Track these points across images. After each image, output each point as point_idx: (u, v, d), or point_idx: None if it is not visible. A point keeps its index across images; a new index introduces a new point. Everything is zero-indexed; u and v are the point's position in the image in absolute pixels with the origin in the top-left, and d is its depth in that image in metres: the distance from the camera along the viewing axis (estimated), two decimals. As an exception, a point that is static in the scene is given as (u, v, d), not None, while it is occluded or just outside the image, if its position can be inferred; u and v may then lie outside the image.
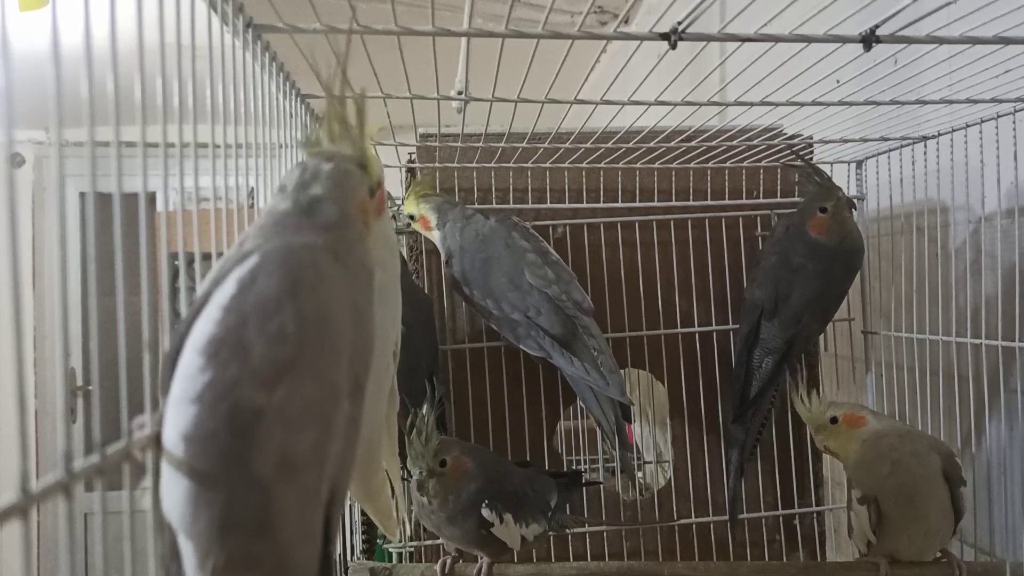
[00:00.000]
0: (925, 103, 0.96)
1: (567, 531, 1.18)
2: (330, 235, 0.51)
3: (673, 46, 0.72)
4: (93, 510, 0.41)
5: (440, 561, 1.04)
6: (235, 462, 0.43)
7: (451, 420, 1.23)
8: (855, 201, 1.25)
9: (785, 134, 1.20)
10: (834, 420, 0.99)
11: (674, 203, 1.29)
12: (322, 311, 0.47)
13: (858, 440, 0.97)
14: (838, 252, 1.11)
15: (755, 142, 1.15)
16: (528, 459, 1.24)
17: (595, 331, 1.11)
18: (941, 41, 0.76)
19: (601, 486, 1.30)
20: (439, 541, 1.13)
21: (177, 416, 0.43)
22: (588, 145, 1.16)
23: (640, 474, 1.63)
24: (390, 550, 1.27)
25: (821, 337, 1.27)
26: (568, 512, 1.15)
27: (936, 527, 0.94)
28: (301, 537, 0.46)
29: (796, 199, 1.27)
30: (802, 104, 0.96)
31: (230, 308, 0.45)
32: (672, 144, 1.15)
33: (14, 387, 0.36)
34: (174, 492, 0.43)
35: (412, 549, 1.23)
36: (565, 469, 1.28)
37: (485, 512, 0.97)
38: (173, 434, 0.43)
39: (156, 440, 0.45)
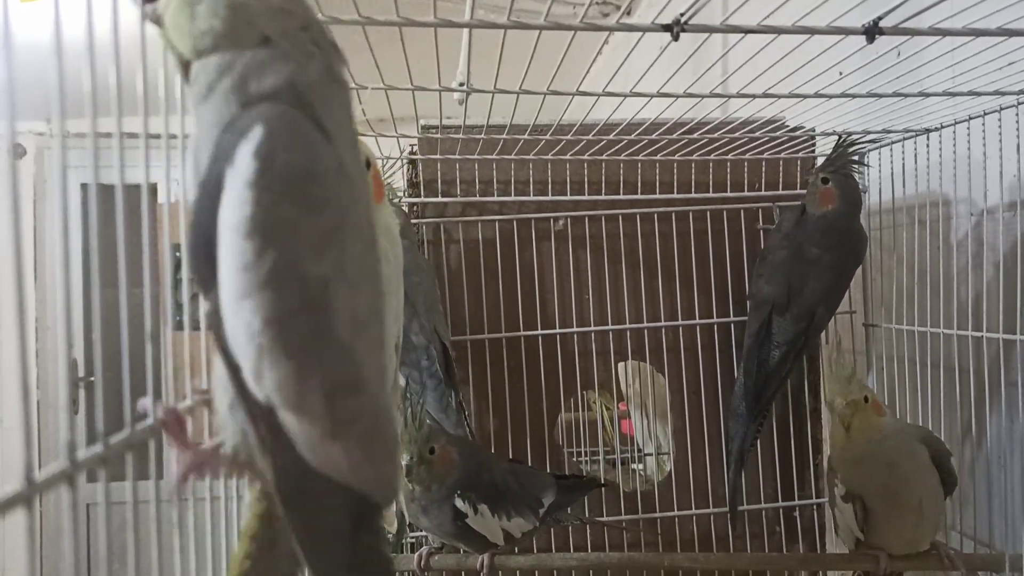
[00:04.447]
0: (928, 95, 0.96)
1: (563, 524, 1.19)
2: (310, 65, 0.48)
3: (675, 37, 0.72)
4: (96, 500, 0.42)
5: (417, 553, 1.04)
6: (323, 333, 0.44)
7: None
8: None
9: (787, 126, 1.19)
10: (866, 399, 0.93)
11: (676, 195, 1.29)
12: (339, 164, 0.46)
13: (876, 429, 0.92)
14: (849, 228, 1.13)
15: (757, 134, 1.15)
16: (529, 452, 1.24)
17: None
18: (944, 33, 0.76)
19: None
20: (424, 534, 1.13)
21: (251, 308, 0.43)
22: (590, 137, 1.16)
23: (640, 466, 1.64)
24: (389, 540, 1.27)
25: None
26: (570, 512, 1.15)
27: (928, 515, 0.94)
28: (379, 384, 0.49)
29: (799, 191, 1.27)
30: (805, 96, 0.96)
31: (262, 186, 0.43)
32: (674, 136, 1.15)
33: (17, 378, 0.37)
34: (273, 376, 0.44)
35: (412, 540, 1.23)
36: (570, 471, 1.28)
37: (458, 502, 0.97)
38: (254, 325, 0.43)
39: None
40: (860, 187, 1.17)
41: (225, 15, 0.46)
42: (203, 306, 0.46)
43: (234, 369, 0.45)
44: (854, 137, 1.15)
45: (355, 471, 0.47)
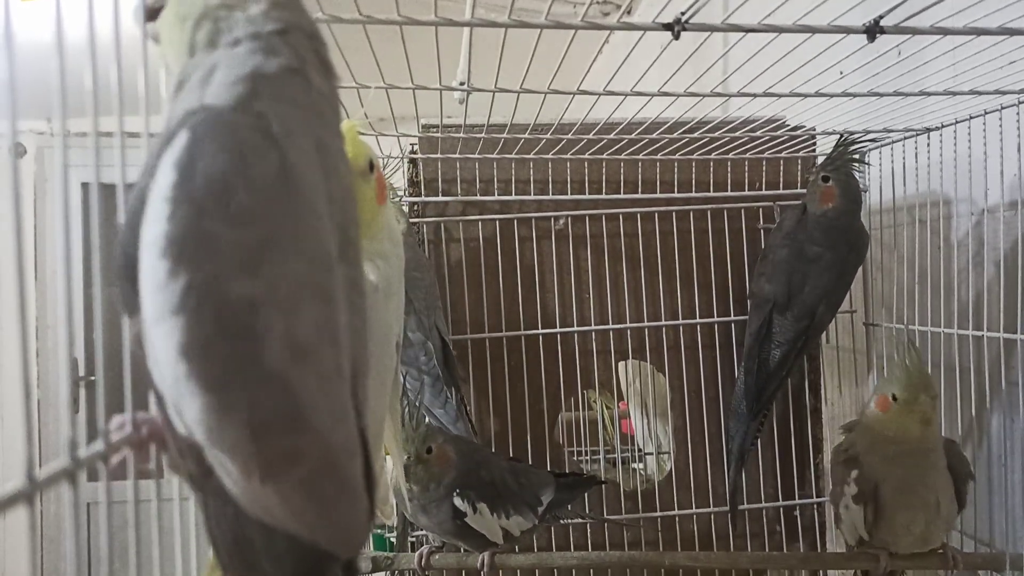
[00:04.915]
0: (928, 94, 0.96)
1: (562, 521, 1.19)
2: (303, 44, 0.46)
3: (676, 36, 0.72)
4: (96, 500, 0.42)
5: (418, 552, 1.04)
6: (244, 362, 0.40)
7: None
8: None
9: (788, 125, 1.19)
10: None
11: (676, 195, 1.29)
12: (282, 170, 0.42)
13: (936, 425, 0.93)
14: (850, 226, 1.13)
15: (758, 133, 1.15)
16: (529, 451, 1.24)
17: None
18: (945, 32, 0.76)
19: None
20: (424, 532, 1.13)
21: (164, 333, 0.39)
22: (591, 136, 1.16)
23: (641, 465, 1.64)
24: (390, 539, 1.27)
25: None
26: (570, 509, 1.15)
27: (944, 514, 0.94)
28: (334, 419, 0.44)
29: (799, 191, 1.27)
30: (805, 95, 0.95)
31: (178, 199, 0.39)
32: (675, 135, 1.15)
33: (19, 377, 0.37)
34: (192, 410, 0.40)
35: (413, 540, 1.23)
36: (570, 470, 1.28)
37: (457, 501, 0.98)
38: (169, 353, 0.40)
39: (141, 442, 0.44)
40: (861, 186, 1.17)
41: (208, 27, 0.45)
42: (131, 330, 0.43)
43: (159, 399, 0.42)
44: (855, 136, 1.15)
45: (297, 518, 0.42)
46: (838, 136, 1.16)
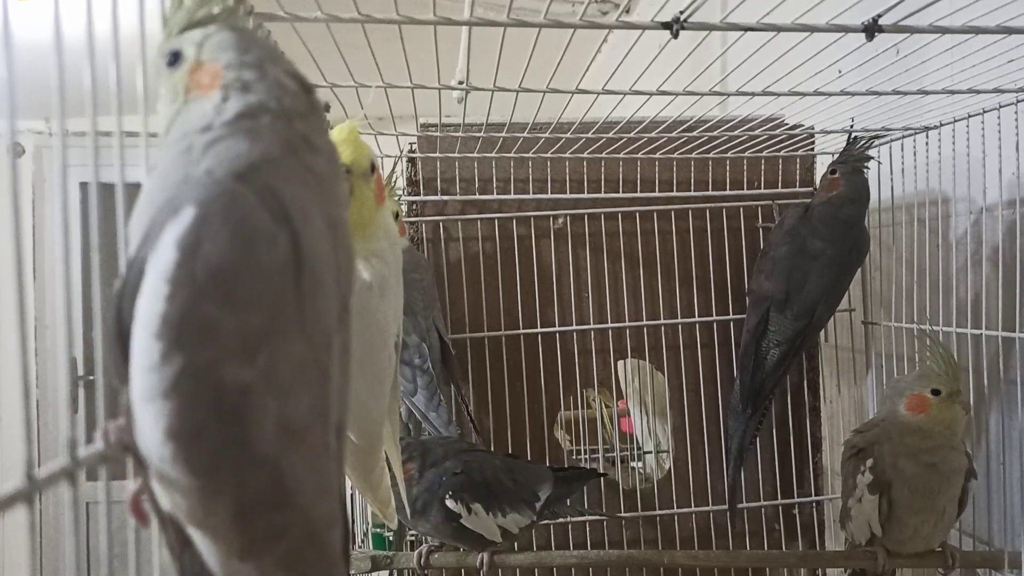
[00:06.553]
0: (927, 93, 0.96)
1: (562, 519, 1.19)
2: (281, 129, 0.43)
3: (675, 35, 0.72)
4: (95, 499, 0.41)
5: (417, 551, 1.04)
6: (234, 449, 0.39)
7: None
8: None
9: (787, 124, 1.19)
10: None
11: (675, 193, 1.29)
12: (293, 253, 0.41)
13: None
14: (854, 222, 1.13)
15: (756, 132, 1.15)
16: (529, 450, 1.24)
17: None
18: (944, 31, 0.76)
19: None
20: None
21: (153, 414, 0.38)
22: (589, 135, 1.16)
23: (640, 464, 1.64)
24: (389, 538, 1.27)
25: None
26: (569, 504, 1.15)
27: (948, 518, 0.94)
28: (319, 493, 0.44)
29: (798, 190, 1.27)
30: (804, 94, 0.95)
31: (179, 281, 0.38)
32: (673, 134, 1.15)
33: (18, 376, 0.37)
34: (175, 492, 0.40)
35: (412, 539, 1.23)
36: (568, 465, 1.29)
37: (450, 503, 0.98)
38: (156, 434, 0.38)
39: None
40: (867, 183, 1.17)
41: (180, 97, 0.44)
42: (121, 399, 0.41)
43: (144, 467, 0.41)
44: (856, 135, 1.15)
45: None
46: (835, 134, 1.17)
